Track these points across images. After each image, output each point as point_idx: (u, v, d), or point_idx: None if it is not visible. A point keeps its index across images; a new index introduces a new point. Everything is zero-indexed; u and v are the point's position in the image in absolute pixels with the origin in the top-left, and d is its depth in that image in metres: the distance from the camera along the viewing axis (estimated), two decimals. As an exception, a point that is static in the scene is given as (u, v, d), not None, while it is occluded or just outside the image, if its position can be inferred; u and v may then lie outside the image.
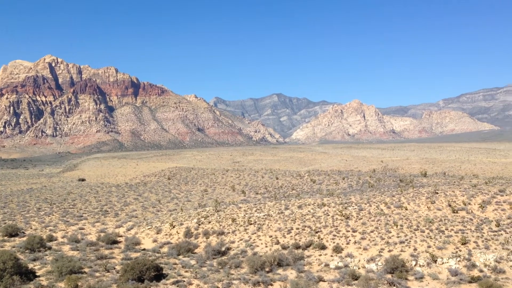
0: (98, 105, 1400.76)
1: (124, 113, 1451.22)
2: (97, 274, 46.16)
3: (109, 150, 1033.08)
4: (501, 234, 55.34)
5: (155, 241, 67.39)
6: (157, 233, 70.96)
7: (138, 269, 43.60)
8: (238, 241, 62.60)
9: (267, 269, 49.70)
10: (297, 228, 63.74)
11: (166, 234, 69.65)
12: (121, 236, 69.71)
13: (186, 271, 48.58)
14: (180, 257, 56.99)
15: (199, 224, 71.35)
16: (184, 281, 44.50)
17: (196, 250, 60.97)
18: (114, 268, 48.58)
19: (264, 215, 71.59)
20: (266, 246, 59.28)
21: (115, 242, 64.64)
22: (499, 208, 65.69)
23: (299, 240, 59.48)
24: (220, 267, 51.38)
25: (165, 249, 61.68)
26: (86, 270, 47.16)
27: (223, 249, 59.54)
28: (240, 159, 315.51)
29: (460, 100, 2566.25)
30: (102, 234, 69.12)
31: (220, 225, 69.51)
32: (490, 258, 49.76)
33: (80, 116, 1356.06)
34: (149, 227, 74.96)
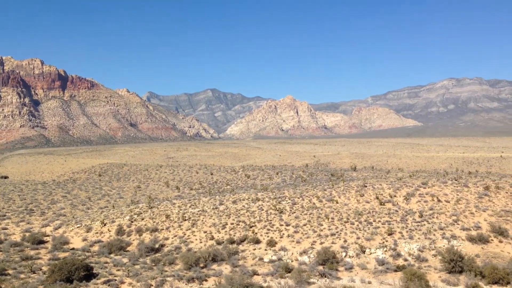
0: (22, 99, 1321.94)
1: (51, 107, 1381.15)
2: (22, 275, 43.77)
3: (34, 146, 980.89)
4: (424, 225, 58.63)
5: (85, 240, 65.00)
6: (87, 232, 68.49)
7: (67, 269, 41.84)
8: (172, 238, 61.86)
9: (201, 265, 49.54)
10: (232, 223, 63.99)
11: (97, 232, 67.42)
12: (48, 235, 66.53)
13: (118, 270, 47.30)
14: (112, 255, 55.40)
15: (132, 221, 69.72)
16: (115, 280, 43.31)
17: (128, 248, 59.52)
18: (41, 269, 46.30)
19: (198, 211, 71.22)
20: (201, 242, 59.04)
21: (42, 242, 61.65)
22: (422, 200, 69.56)
23: (234, 235, 59.76)
24: (153, 264, 50.54)
25: (95, 248, 59.70)
26: (10, 272, 44.57)
27: (156, 246, 58.61)
28: (174, 155, 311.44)
29: (387, 97, 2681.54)
30: (27, 234, 65.62)
31: (154, 222, 68.32)
32: (414, 248, 52.60)
33: (2, 110, 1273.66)
34: (78, 225, 72.15)
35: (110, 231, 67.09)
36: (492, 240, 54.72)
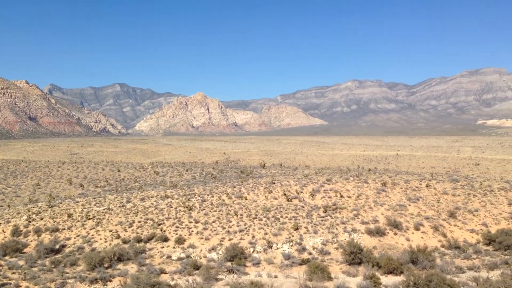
0: None
1: None
2: None
3: None
4: (327, 219, 61.39)
5: (-25, 242, 59.84)
6: (-22, 234, 63.08)
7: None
8: (75, 238, 58.94)
9: (106, 265, 47.74)
10: (139, 221, 62.40)
11: (-10, 234, 62.34)
12: None
13: (14, 273, 44.13)
14: (7, 258, 51.56)
15: (30, 221, 65.35)
16: (11, 283, 40.37)
17: (25, 250, 55.74)
18: None
19: (104, 209, 68.55)
20: (106, 241, 56.89)
21: None
22: (326, 196, 72.79)
23: (141, 233, 58.33)
24: (53, 266, 47.81)
25: (-12, 251, 55.19)
26: None
27: (57, 246, 55.51)
28: (78, 151, 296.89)
29: (295, 96, 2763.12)
30: None
31: (55, 222, 64.60)
32: (318, 242, 54.89)
33: None
34: (-32, 227, 66.21)
35: (4, 232, 62.35)
36: (388, 232, 58.72)
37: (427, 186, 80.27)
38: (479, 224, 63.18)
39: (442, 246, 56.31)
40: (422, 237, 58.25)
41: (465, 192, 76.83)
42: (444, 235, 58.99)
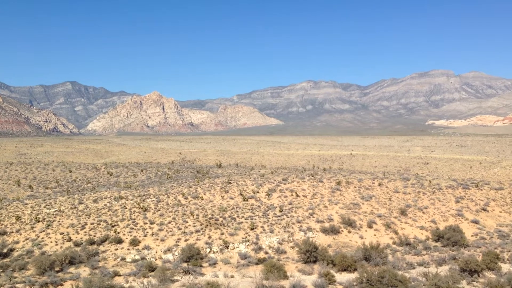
0: None
1: None
2: None
3: None
4: (284, 219, 61.97)
5: None
6: None
7: None
8: (24, 241, 56.73)
9: (57, 269, 46.26)
10: (92, 223, 60.79)
11: None
12: None
13: (-43, 280, 42.08)
14: (-51, 264, 49.04)
15: (-25, 225, 62.38)
16: (-47, 291, 38.52)
17: (-30, 255, 53.21)
18: None
19: (55, 211, 66.34)
20: (57, 244, 55.08)
21: None
22: (282, 195, 73.45)
23: (94, 236, 56.86)
24: (1, 270, 45.88)
25: None
26: None
27: (5, 250, 53.24)
28: (27, 151, 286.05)
29: (251, 96, 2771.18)
30: None
31: (2, 224, 61.93)
32: (274, 241, 55.33)
33: None
34: None
35: None
36: (342, 230, 59.96)
37: (379, 185, 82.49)
38: (428, 221, 65.54)
39: (394, 243, 58.05)
40: (375, 235, 59.83)
41: (415, 190, 79.49)
42: (396, 232, 60.82)
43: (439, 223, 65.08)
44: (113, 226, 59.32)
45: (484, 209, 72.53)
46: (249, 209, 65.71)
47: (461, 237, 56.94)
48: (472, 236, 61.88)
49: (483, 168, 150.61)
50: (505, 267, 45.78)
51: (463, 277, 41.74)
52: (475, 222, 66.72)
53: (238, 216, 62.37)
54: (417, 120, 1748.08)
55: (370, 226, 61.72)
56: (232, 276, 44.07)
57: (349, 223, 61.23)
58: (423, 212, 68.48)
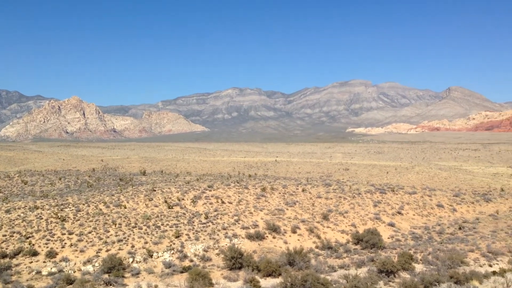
0: None
1: None
2: None
3: None
4: (209, 226, 61.66)
5: None
6: None
7: None
8: None
9: (-37, 286, 42.80)
10: (4, 235, 56.88)
11: None
12: None
13: None
14: None
15: None
16: None
17: None
18: None
19: (-39, 224, 61.34)
20: (-37, 260, 50.95)
21: None
22: (208, 202, 73.13)
23: (7, 248, 53.21)
24: None
25: None
26: None
27: None
28: None
29: (177, 103, 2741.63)
30: None
31: None
32: (199, 248, 54.86)
33: None
34: None
35: None
36: (267, 236, 60.75)
37: (303, 190, 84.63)
38: (348, 225, 68.19)
39: (317, 247, 59.74)
40: (298, 239, 61.23)
41: (336, 195, 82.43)
42: (318, 237, 62.65)
43: (359, 226, 67.92)
44: (27, 238, 55.88)
45: (399, 213, 76.77)
46: (174, 217, 64.70)
47: (379, 240, 59.81)
48: (388, 238, 65.20)
49: (398, 174, 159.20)
50: (418, 267, 48.67)
51: (381, 278, 43.84)
52: (391, 225, 70.42)
53: (162, 224, 61.18)
54: (338, 128, 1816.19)
55: (294, 231, 63.06)
56: (156, 286, 43.12)
57: (274, 229, 62.18)
58: (344, 216, 71.13)
